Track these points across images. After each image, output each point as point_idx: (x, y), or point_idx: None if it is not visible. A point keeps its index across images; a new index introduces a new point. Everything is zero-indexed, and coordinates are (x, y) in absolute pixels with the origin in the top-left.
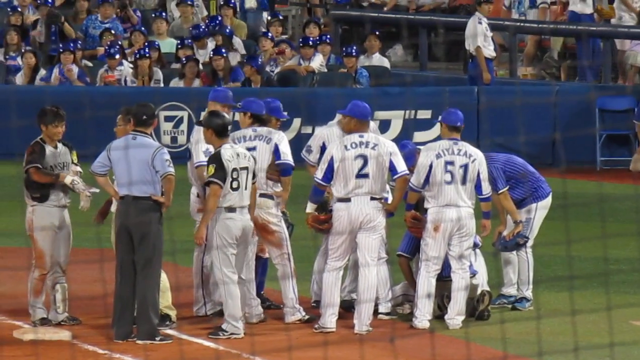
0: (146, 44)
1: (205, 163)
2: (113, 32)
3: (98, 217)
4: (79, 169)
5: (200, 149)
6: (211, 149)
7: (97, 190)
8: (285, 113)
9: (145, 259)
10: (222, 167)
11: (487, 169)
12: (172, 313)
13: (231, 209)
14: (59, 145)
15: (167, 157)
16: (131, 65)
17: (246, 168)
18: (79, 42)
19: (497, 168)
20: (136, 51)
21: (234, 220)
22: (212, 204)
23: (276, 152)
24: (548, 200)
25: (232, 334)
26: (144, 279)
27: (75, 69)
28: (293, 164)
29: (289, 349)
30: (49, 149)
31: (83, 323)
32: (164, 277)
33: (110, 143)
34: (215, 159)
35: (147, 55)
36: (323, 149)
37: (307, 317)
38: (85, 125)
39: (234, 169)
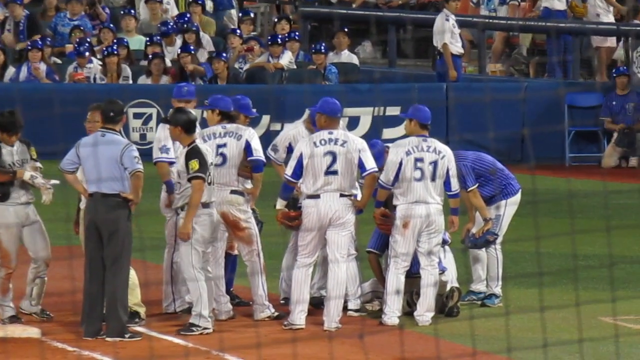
0: (115, 41)
1: (162, 160)
2: (82, 29)
3: (75, 228)
4: (38, 164)
5: (157, 145)
6: (169, 145)
7: (57, 182)
8: (254, 110)
9: (114, 256)
10: (205, 161)
11: (456, 166)
12: (142, 310)
13: (206, 205)
14: (16, 143)
15: (136, 154)
16: (100, 63)
17: (211, 164)
18: (48, 39)
19: (467, 166)
20: (104, 48)
21: (209, 216)
22: (197, 199)
23: (248, 148)
24: (517, 197)
25: (204, 329)
26: (113, 276)
27: (43, 67)
28: (265, 160)
29: (258, 346)
30: (5, 148)
31: (52, 320)
32: (133, 274)
33: (79, 140)
34: (197, 153)
35: (115, 52)
36: (289, 149)
37: (276, 314)
38: (54, 123)
39: (209, 164)
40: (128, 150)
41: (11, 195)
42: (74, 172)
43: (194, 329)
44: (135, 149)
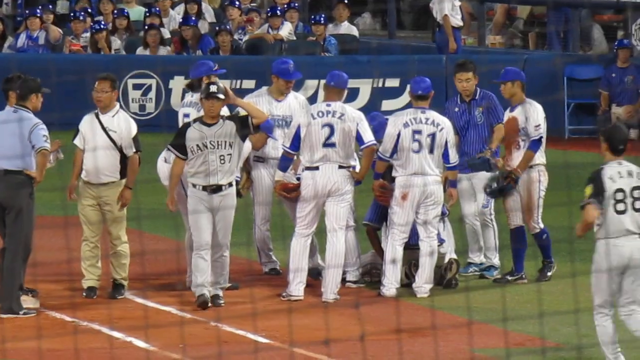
0: (115, 11)
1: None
2: None
3: None
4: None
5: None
6: (193, 114)
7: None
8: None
9: (15, 233)
10: (178, 136)
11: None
12: (126, 283)
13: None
14: None
15: (45, 133)
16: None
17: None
18: (50, 5)
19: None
20: (92, 25)
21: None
22: (173, 174)
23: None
24: None
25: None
26: (13, 253)
27: (43, 35)
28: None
29: (254, 316)
30: None
31: (49, 291)
32: (126, 246)
33: None
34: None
35: (104, 27)
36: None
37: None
38: (51, 93)
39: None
40: (37, 128)
41: None
42: None
43: (221, 301)
44: (45, 128)
